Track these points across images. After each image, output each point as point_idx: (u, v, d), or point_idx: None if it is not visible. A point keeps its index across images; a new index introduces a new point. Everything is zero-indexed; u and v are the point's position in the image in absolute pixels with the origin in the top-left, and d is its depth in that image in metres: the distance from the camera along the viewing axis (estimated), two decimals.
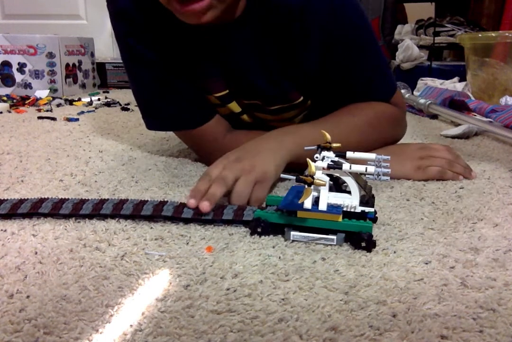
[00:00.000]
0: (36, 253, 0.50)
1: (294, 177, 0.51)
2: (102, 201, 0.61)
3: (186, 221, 0.58)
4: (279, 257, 0.49)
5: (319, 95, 0.82)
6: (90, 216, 0.59)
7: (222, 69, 0.78)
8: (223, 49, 0.76)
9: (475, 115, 1.32)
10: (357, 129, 0.76)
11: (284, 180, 0.75)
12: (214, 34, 0.74)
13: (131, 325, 0.37)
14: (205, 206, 0.57)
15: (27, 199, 0.61)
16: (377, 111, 0.80)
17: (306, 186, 0.50)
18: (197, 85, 0.81)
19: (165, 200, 0.62)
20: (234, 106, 0.84)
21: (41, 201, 0.60)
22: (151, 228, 0.57)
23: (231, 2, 0.66)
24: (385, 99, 0.82)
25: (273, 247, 0.52)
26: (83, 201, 0.60)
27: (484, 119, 1.26)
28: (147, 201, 0.61)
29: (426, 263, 0.48)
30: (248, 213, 0.58)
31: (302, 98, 0.81)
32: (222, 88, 0.80)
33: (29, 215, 0.59)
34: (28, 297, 0.41)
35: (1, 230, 0.56)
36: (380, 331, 0.37)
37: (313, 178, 0.50)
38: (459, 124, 1.23)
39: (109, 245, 0.52)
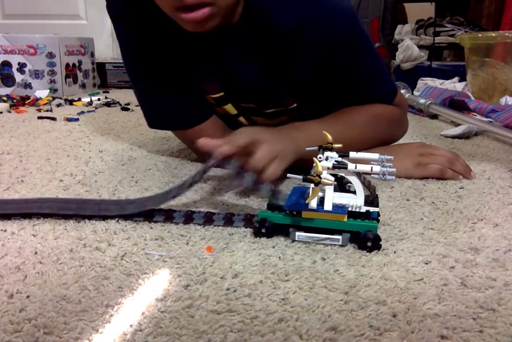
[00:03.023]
0: (36, 253, 0.50)
1: (301, 177, 0.51)
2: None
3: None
4: (279, 257, 0.49)
5: (315, 101, 0.82)
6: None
7: (216, 72, 0.78)
8: (216, 53, 0.76)
9: (475, 115, 1.32)
10: (355, 127, 0.77)
11: (284, 180, 0.75)
12: (208, 39, 0.74)
13: (131, 325, 0.37)
14: (225, 147, 0.56)
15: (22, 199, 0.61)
16: (376, 110, 0.80)
17: (312, 186, 0.50)
18: (194, 85, 0.81)
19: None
20: (230, 108, 0.84)
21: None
22: (151, 228, 0.57)
23: (230, 10, 0.67)
24: (388, 102, 0.82)
25: (273, 247, 0.52)
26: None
27: (484, 119, 1.26)
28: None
29: (426, 263, 0.48)
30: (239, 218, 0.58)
31: (295, 104, 0.82)
32: (217, 90, 0.81)
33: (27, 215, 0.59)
34: (28, 297, 0.41)
35: (1, 230, 0.56)
36: (380, 331, 0.37)
37: (320, 178, 0.50)
38: (459, 124, 1.23)
39: (109, 245, 0.52)
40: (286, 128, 0.72)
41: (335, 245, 0.52)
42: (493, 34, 1.67)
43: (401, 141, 0.87)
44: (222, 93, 0.81)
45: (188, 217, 0.58)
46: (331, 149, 0.55)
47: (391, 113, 0.81)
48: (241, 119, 0.88)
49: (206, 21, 0.64)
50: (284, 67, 0.76)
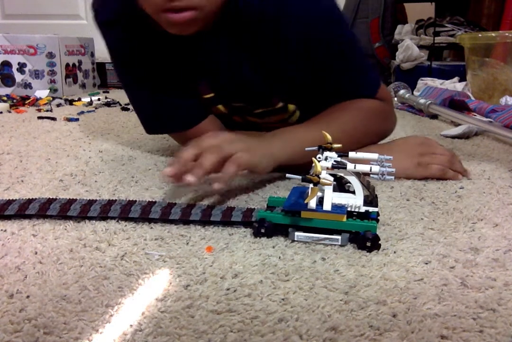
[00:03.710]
0: (36, 253, 0.50)
1: (300, 177, 0.51)
2: (91, 202, 0.61)
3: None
4: (279, 257, 0.49)
5: (302, 100, 0.82)
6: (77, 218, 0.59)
7: (205, 73, 0.79)
8: (202, 55, 0.77)
9: (475, 115, 1.32)
10: (347, 125, 0.76)
11: (284, 179, 0.75)
12: (192, 41, 0.74)
13: (131, 325, 0.37)
14: (190, 178, 0.54)
15: (15, 200, 0.61)
16: (364, 106, 0.80)
17: (311, 186, 0.50)
18: (188, 86, 0.81)
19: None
20: (222, 108, 0.85)
21: (29, 201, 0.60)
22: (151, 228, 0.57)
23: (212, 15, 0.67)
24: (370, 95, 0.81)
25: (273, 247, 0.52)
26: (71, 202, 0.61)
27: (484, 119, 1.26)
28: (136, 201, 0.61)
29: (426, 263, 0.48)
30: (237, 213, 0.57)
31: (281, 104, 0.82)
32: (208, 91, 0.81)
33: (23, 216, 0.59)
34: (28, 297, 0.41)
35: (1, 230, 0.56)
36: (380, 331, 0.37)
37: (319, 178, 0.50)
38: (459, 124, 1.23)
39: (109, 245, 0.52)
40: (262, 138, 0.71)
41: (334, 245, 0.52)
42: (493, 34, 1.67)
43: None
44: (213, 94, 0.82)
45: (186, 215, 0.58)
46: (330, 149, 0.55)
47: (378, 108, 0.81)
48: (236, 117, 0.88)
49: (191, 24, 0.65)
50: (264, 64, 0.76)
